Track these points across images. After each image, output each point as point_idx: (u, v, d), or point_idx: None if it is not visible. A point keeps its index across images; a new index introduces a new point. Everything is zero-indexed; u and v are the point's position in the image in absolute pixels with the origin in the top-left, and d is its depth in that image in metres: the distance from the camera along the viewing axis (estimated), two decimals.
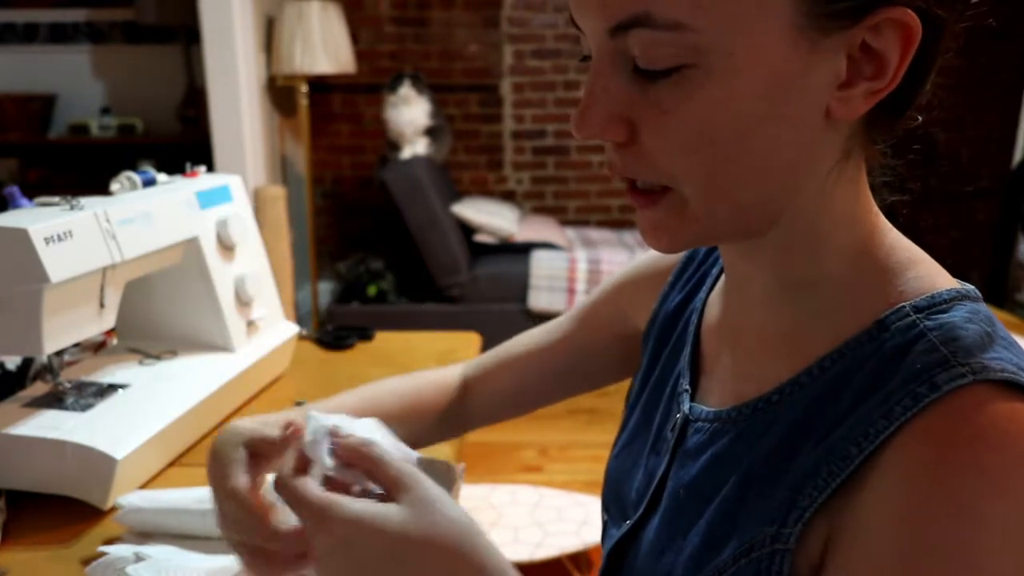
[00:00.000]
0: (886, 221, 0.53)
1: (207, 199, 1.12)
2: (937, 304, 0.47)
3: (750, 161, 0.46)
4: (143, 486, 0.92)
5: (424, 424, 0.82)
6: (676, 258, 0.71)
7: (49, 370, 0.96)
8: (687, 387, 0.61)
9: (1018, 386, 0.43)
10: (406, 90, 3.42)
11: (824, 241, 0.50)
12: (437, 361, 1.33)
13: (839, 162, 0.48)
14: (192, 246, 1.09)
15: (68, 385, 0.97)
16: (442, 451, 0.93)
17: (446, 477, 0.87)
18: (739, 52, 0.43)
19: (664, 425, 0.63)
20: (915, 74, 0.46)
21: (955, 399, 0.42)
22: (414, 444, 0.84)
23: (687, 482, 0.57)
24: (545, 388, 0.82)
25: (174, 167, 1.24)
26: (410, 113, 3.43)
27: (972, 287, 0.50)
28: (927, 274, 0.50)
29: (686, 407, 0.60)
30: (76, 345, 0.97)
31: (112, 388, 1.00)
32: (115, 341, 1.04)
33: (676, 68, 0.44)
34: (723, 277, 0.63)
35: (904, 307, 0.48)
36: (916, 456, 0.42)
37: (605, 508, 0.70)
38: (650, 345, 0.69)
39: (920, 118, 0.50)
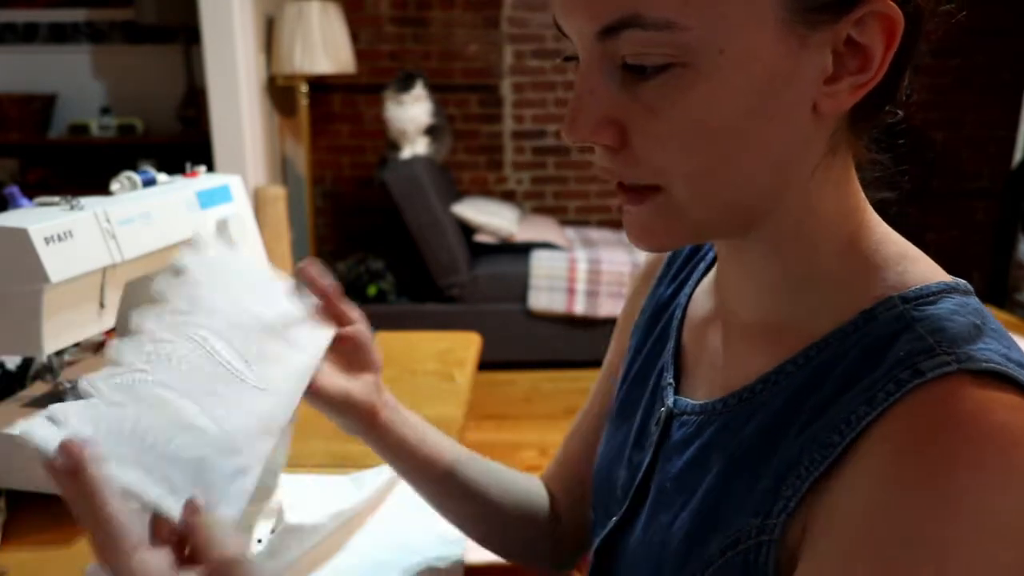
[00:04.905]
0: (876, 216, 0.53)
1: (207, 199, 1.11)
2: (925, 296, 0.47)
3: (741, 158, 0.46)
4: None
5: (539, 526, 0.76)
6: (658, 262, 0.71)
7: (49, 370, 0.96)
8: (671, 381, 0.61)
9: (1003, 376, 0.42)
10: (419, 90, 3.41)
11: (813, 237, 0.50)
12: (437, 361, 1.33)
13: (825, 157, 0.48)
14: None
15: (68, 385, 0.97)
16: None
17: None
18: (729, 49, 0.43)
19: (647, 419, 0.62)
20: (894, 67, 0.46)
21: (938, 387, 0.42)
22: (530, 553, 0.77)
23: (673, 475, 0.56)
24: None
25: (174, 167, 1.24)
26: (414, 110, 3.43)
27: (964, 281, 0.50)
28: (916, 268, 0.50)
29: (670, 400, 0.59)
30: (76, 345, 0.97)
31: None
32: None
33: (666, 67, 0.44)
34: (711, 272, 0.63)
35: (892, 298, 0.48)
36: (892, 444, 0.42)
37: (592, 507, 0.69)
38: (636, 338, 0.69)
39: (900, 112, 0.50)
